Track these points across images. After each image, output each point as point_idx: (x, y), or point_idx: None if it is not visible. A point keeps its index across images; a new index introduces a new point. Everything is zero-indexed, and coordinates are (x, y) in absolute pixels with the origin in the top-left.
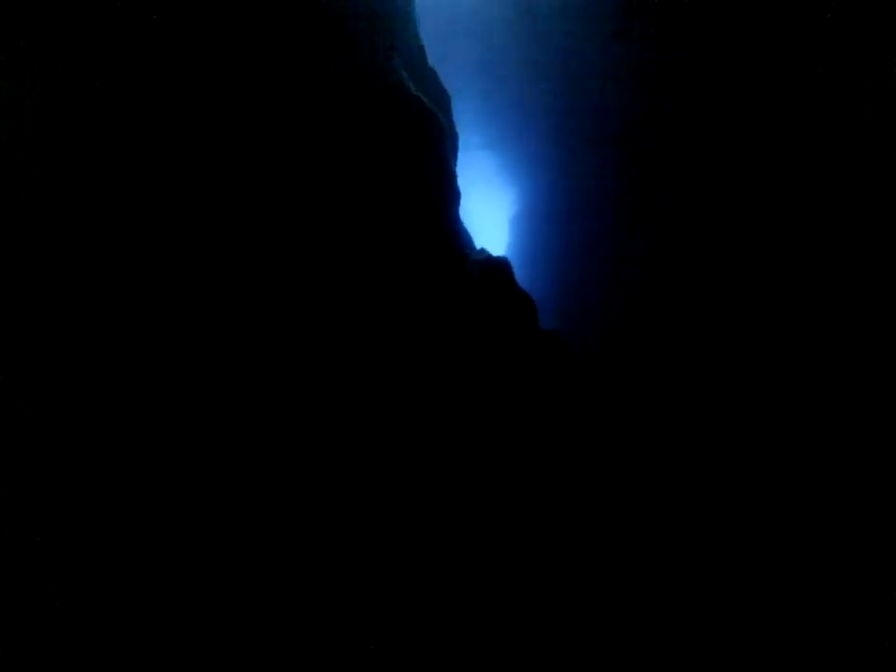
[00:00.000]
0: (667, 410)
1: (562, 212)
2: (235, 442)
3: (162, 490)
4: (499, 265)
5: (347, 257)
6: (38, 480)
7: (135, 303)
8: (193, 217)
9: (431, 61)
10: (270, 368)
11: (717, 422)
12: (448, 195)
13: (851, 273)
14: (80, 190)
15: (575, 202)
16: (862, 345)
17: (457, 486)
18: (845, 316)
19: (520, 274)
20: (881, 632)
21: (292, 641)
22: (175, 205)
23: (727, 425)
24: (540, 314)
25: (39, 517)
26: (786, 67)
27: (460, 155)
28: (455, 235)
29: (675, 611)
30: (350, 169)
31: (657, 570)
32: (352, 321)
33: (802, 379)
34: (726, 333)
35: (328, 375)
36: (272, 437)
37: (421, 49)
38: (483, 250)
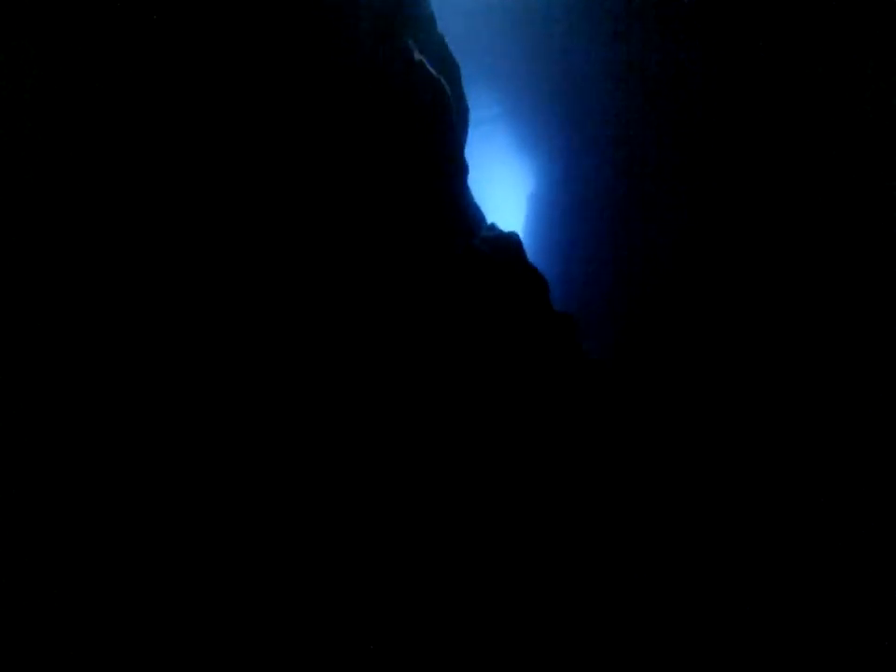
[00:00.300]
0: (672, 409)
1: (574, 198)
2: (233, 436)
3: (162, 489)
4: (509, 241)
5: (344, 235)
6: (38, 479)
7: (136, 302)
8: (189, 186)
9: (442, 31)
10: (262, 348)
11: (721, 422)
12: (454, 167)
13: (852, 266)
14: (80, 190)
15: (584, 190)
16: (867, 343)
17: (457, 478)
18: (848, 310)
19: (537, 254)
20: (881, 632)
21: (292, 641)
22: (173, 181)
23: (731, 425)
24: (556, 296)
25: (39, 517)
26: (786, 67)
27: (477, 130)
28: (462, 210)
29: (675, 611)
30: (347, 138)
31: (662, 567)
32: (347, 300)
33: (801, 376)
34: (738, 334)
35: (320, 356)
36: (267, 422)
37: (430, 17)
38: (493, 226)
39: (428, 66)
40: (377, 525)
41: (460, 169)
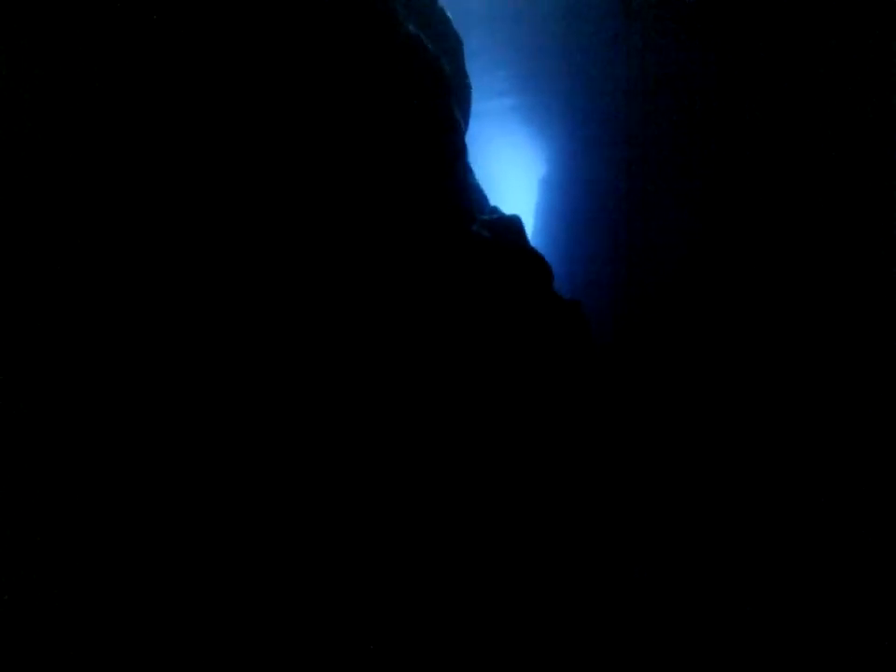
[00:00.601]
0: (674, 404)
1: (579, 193)
2: (234, 436)
3: (162, 489)
4: (510, 224)
5: (331, 219)
6: (38, 479)
7: (136, 301)
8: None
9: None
10: (255, 331)
11: (722, 417)
12: (453, 150)
13: (850, 260)
14: (81, 190)
15: (588, 186)
16: (865, 330)
17: (456, 473)
18: (846, 300)
19: (547, 241)
20: (881, 632)
21: (292, 641)
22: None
23: (732, 420)
24: (564, 289)
25: (39, 517)
26: (786, 67)
27: (489, 111)
28: (462, 192)
29: (674, 610)
30: (334, 122)
31: (661, 562)
32: (340, 288)
33: (801, 377)
34: (740, 331)
35: (314, 347)
36: (265, 411)
37: None
38: (494, 209)
39: (426, 42)
40: (375, 516)
41: (460, 151)
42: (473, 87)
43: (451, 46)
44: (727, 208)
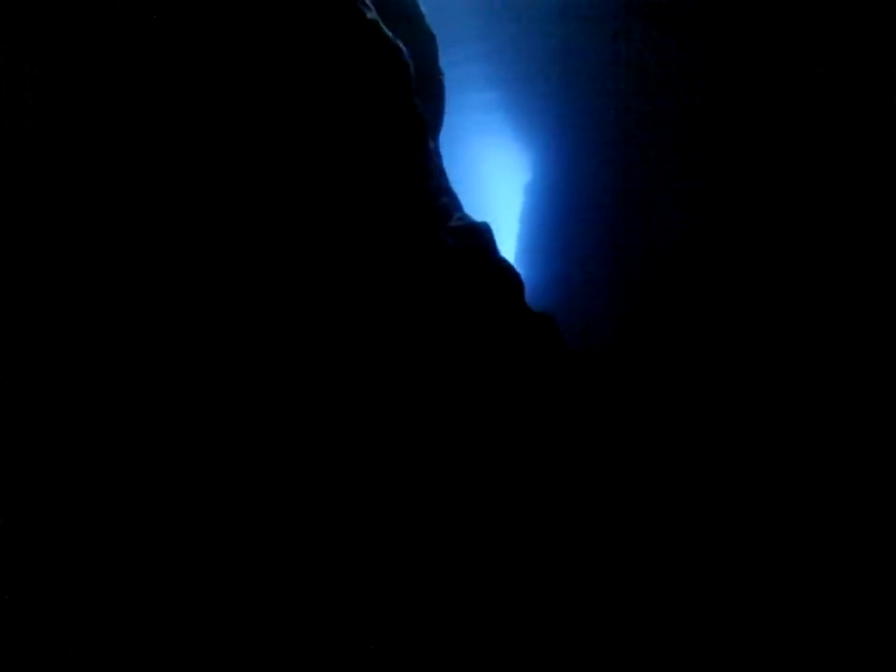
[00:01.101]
0: (673, 406)
1: (571, 194)
2: (232, 439)
3: (161, 489)
4: (477, 231)
5: (271, 226)
6: (37, 479)
7: (134, 302)
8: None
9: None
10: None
11: (720, 423)
12: (416, 152)
13: (851, 262)
14: (80, 190)
15: (582, 187)
16: (867, 339)
17: (439, 487)
18: (848, 306)
19: (532, 247)
20: (881, 632)
21: (292, 641)
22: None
23: (730, 427)
24: (551, 294)
25: (39, 517)
26: (786, 66)
27: (473, 115)
28: (426, 197)
29: (672, 615)
30: (258, 102)
31: (657, 570)
32: (280, 304)
33: (801, 375)
34: (739, 333)
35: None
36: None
37: None
38: (462, 215)
39: (384, 29)
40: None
41: (424, 150)
42: (459, 83)
43: (420, 39)
44: (727, 208)
